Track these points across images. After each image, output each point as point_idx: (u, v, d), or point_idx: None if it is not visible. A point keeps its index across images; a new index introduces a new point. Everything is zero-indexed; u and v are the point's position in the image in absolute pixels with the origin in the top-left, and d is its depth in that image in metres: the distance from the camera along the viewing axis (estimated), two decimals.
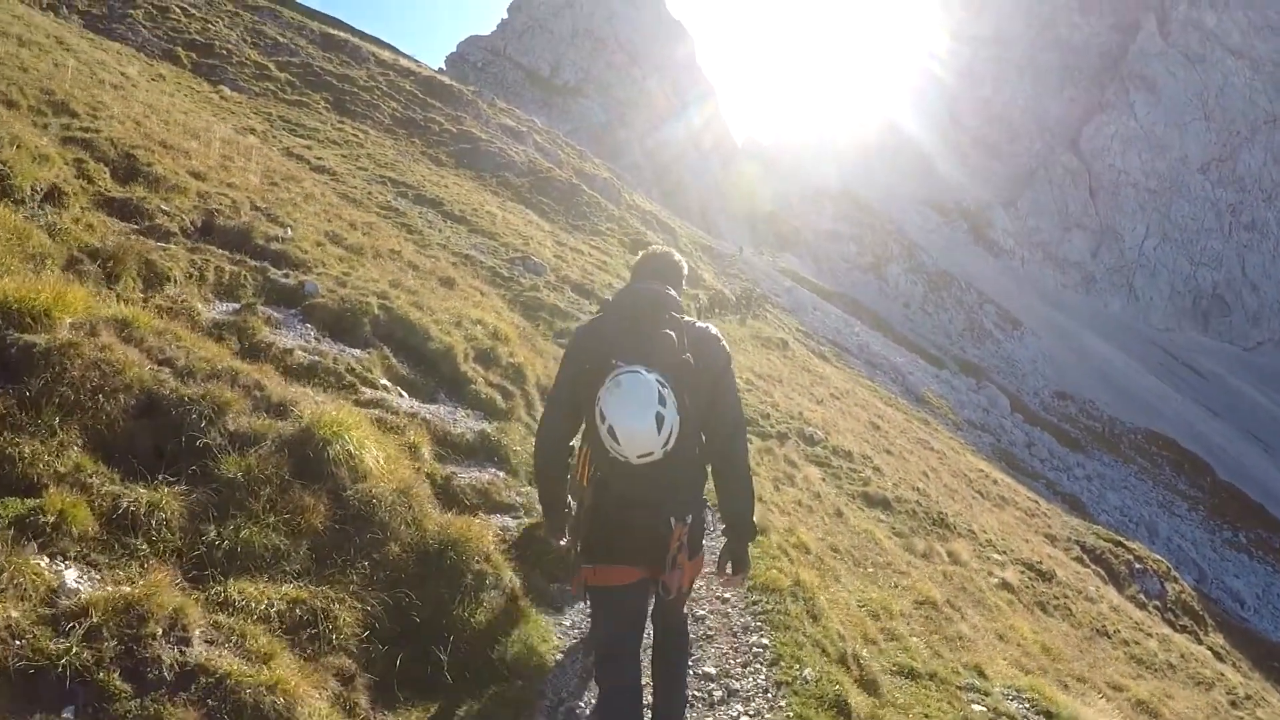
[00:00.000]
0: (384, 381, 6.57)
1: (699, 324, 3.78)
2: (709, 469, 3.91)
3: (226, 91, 29.08)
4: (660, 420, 3.38)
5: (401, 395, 6.72)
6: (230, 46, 35.13)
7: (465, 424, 6.92)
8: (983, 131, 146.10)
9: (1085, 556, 24.89)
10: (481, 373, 8.07)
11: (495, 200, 33.46)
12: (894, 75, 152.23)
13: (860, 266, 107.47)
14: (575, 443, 3.97)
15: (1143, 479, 68.97)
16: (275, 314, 6.76)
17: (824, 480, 14.65)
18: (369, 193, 21.79)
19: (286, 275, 7.58)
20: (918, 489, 18.61)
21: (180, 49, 31.82)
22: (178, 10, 35.99)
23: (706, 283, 44.58)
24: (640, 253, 4.14)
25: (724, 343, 3.82)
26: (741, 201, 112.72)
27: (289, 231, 8.75)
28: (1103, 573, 24.04)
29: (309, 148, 25.47)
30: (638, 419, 3.37)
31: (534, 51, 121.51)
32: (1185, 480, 74.05)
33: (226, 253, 7.34)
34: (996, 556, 16.68)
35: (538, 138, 53.05)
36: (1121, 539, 29.07)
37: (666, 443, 3.43)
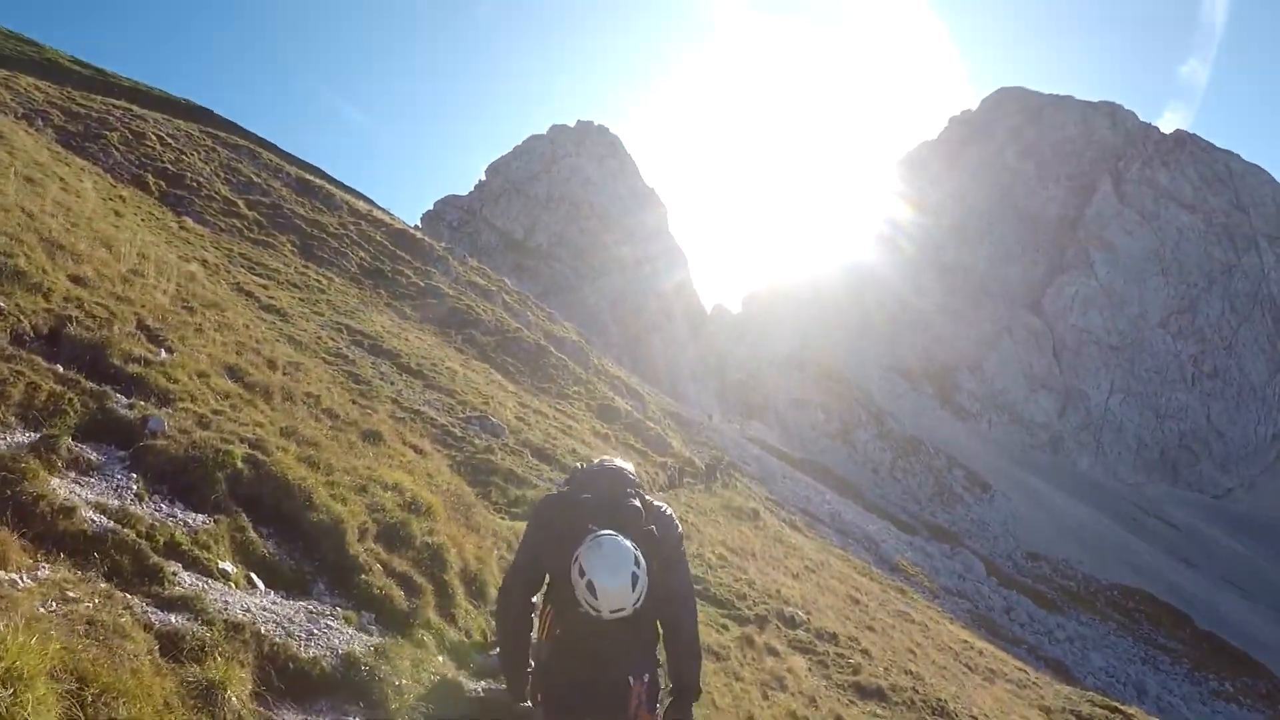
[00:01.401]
0: (225, 566, 4.63)
1: (657, 502, 4.25)
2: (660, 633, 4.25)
3: (189, 223, 27.65)
4: (635, 580, 3.69)
5: (253, 587, 4.78)
6: (201, 179, 34.07)
7: (329, 639, 4.67)
8: (946, 298, 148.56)
9: None
10: (382, 556, 5.99)
11: (459, 357, 32.20)
12: (858, 246, 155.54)
13: (828, 434, 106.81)
14: (535, 599, 4.32)
15: (1122, 636, 66.61)
16: (92, 454, 4.94)
17: (811, 671, 12.88)
18: (318, 337, 20.26)
19: (131, 406, 5.69)
20: (910, 672, 16.71)
21: (150, 175, 30.83)
22: (154, 138, 35.24)
23: (675, 450, 43.16)
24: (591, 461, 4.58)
25: (676, 520, 4.28)
26: (710, 369, 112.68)
27: (164, 354, 6.93)
28: None
29: (264, 287, 24.04)
30: (616, 576, 3.65)
31: (509, 214, 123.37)
32: (1164, 633, 71.77)
33: (59, 368, 5.58)
34: None
35: (507, 297, 52.15)
36: (1117, 704, 27.04)
37: (638, 601, 3.72)
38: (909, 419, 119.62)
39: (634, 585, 3.66)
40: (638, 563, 3.70)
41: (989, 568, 69.15)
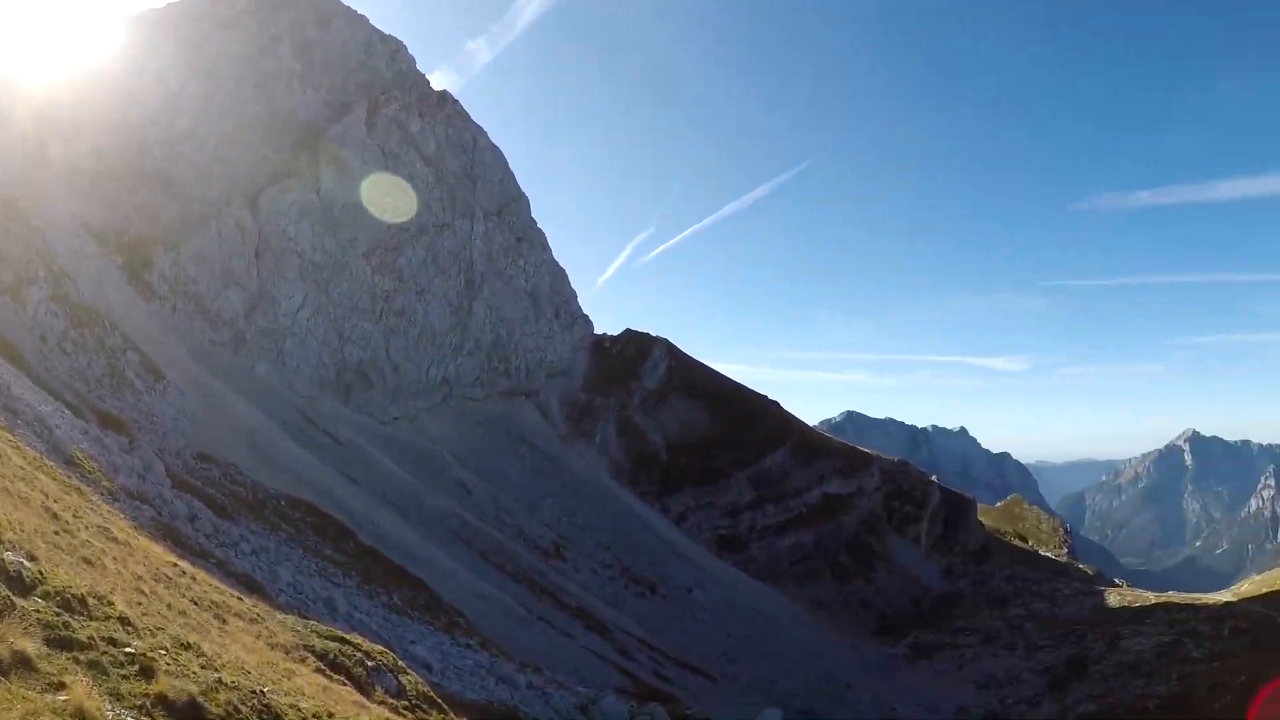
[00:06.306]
0: None
1: None
2: None
3: None
4: None
5: None
6: None
7: None
8: (165, 165, 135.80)
9: (324, 666, 20.19)
10: None
11: None
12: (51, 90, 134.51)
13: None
14: None
15: (293, 547, 66.57)
16: None
17: (97, 692, 8.15)
18: None
19: None
20: (187, 645, 12.11)
21: None
22: None
23: None
24: None
25: None
26: None
27: None
28: (346, 681, 19.56)
29: None
30: None
31: None
32: (330, 545, 73.81)
33: None
34: None
35: None
36: (342, 635, 24.96)
37: None
38: (91, 286, 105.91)
39: None
40: None
41: (168, 468, 64.04)
